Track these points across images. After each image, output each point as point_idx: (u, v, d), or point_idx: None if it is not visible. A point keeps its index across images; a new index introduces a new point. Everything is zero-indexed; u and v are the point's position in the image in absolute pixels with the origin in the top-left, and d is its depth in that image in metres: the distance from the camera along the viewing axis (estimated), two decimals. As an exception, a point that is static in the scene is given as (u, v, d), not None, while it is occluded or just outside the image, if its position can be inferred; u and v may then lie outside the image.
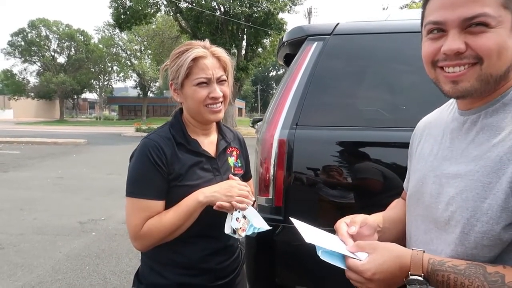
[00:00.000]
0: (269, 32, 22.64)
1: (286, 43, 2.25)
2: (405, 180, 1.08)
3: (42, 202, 6.32)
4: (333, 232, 1.04)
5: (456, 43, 0.79)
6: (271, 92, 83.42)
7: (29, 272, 3.67)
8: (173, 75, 1.25)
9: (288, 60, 2.75)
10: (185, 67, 1.20)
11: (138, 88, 48.34)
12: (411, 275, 0.80)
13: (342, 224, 1.02)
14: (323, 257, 0.89)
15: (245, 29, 23.44)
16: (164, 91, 58.26)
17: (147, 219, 1.19)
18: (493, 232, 0.76)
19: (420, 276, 0.80)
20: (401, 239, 1.03)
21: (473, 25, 0.77)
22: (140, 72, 41.54)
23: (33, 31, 48.47)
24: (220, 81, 1.26)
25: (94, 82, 56.22)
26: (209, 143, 1.34)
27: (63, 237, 4.67)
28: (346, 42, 2.00)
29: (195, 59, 1.21)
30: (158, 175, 1.19)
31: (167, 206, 1.22)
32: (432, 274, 0.79)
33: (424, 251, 0.83)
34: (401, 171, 1.73)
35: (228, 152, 1.38)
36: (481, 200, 0.78)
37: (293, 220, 1.05)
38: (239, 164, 1.41)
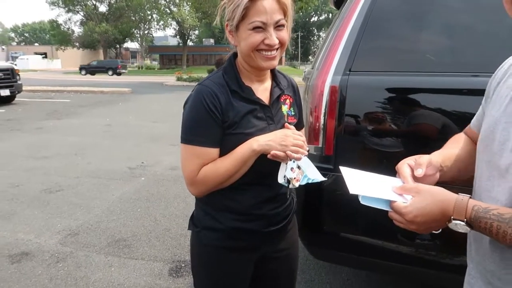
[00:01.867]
0: (311, -26, 21.36)
1: (339, -19, 2.09)
2: (474, 117, 1.01)
3: (94, 148, 6.68)
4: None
5: None
6: (312, 39, 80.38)
7: (87, 212, 3.96)
8: (229, 15, 1.17)
9: (339, 1, 2.57)
10: (241, 7, 1.12)
11: (178, 36, 48.22)
12: (454, 219, 0.80)
13: (405, 165, 0.98)
14: (363, 202, 0.91)
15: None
16: (203, 40, 57.70)
17: (202, 165, 1.19)
18: None
19: (463, 221, 0.79)
20: (461, 177, 1.02)
21: None
22: (179, 20, 41.13)
23: (74, -21, 48.82)
24: (278, 25, 1.17)
25: (135, 31, 56.78)
26: (263, 90, 1.29)
27: (115, 181, 4.95)
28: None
29: (253, 0, 1.13)
30: (213, 123, 1.17)
31: (221, 154, 1.21)
32: (475, 221, 0.78)
33: (470, 197, 0.81)
34: (463, 120, 1.63)
35: (282, 100, 1.33)
36: None
37: (342, 169, 1.02)
38: (293, 113, 1.37)
